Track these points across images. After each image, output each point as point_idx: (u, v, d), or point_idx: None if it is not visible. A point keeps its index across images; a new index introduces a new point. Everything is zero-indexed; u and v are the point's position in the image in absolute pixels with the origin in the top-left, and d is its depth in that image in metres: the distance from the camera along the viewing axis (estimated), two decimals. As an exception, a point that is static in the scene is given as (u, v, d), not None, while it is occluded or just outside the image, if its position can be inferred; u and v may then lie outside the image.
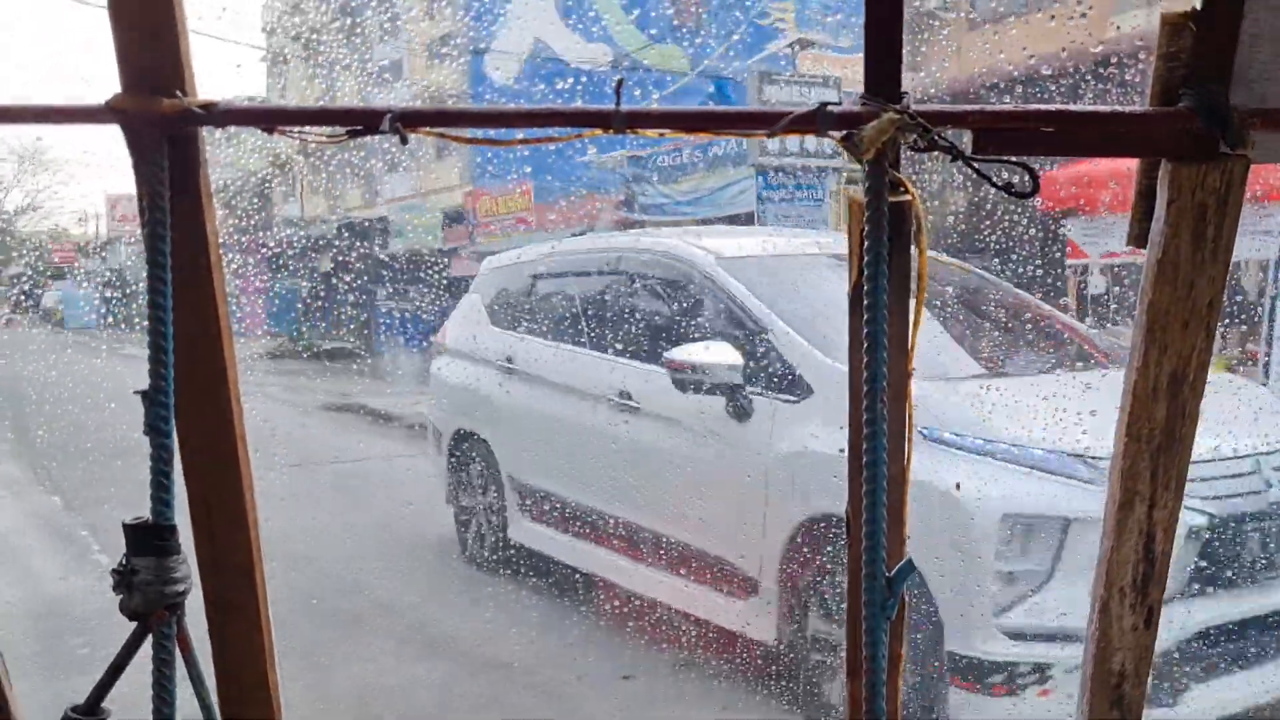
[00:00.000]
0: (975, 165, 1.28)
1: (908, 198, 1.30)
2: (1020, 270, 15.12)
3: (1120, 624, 1.39)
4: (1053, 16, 14.42)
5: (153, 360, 1.34)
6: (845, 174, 16.60)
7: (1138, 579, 1.37)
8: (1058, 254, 10.52)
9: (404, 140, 1.31)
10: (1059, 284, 10.99)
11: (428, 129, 1.34)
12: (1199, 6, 1.22)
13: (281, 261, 25.50)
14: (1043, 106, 1.28)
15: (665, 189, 18.68)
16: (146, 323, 1.34)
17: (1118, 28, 13.71)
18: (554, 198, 20.98)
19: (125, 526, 1.37)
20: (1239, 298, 10.54)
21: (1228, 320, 10.06)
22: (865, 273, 1.27)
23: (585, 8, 21.53)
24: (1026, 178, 1.27)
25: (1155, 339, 1.29)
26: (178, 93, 1.32)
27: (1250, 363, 8.71)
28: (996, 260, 15.89)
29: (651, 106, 1.51)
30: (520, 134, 1.38)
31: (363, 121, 1.32)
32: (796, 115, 1.25)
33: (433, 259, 25.01)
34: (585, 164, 20.47)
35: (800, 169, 15.86)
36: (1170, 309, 1.28)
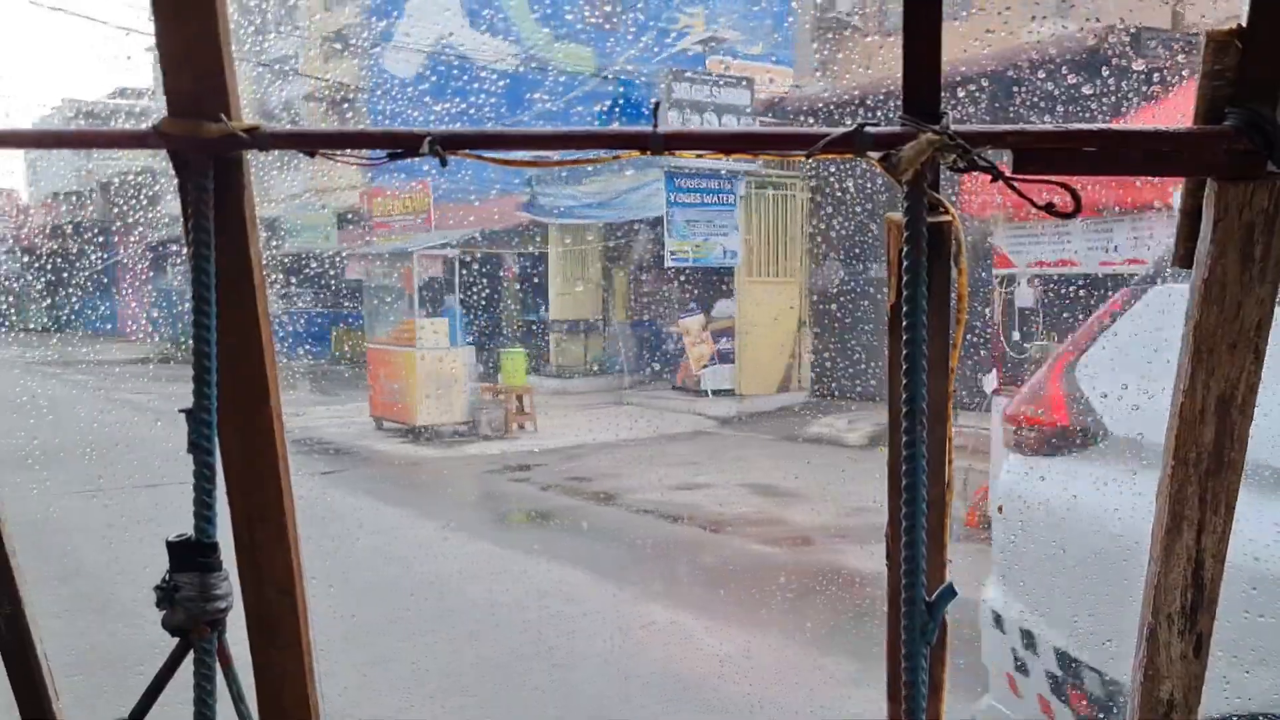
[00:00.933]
0: (1015, 185, 1.26)
1: (947, 218, 1.28)
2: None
3: (1168, 652, 1.35)
4: (970, 25, 14.31)
5: (196, 379, 1.37)
6: (753, 180, 16.25)
7: (1186, 606, 1.34)
8: (984, 263, 10.24)
9: (444, 163, 1.32)
10: (984, 295, 10.71)
11: (467, 151, 1.34)
12: (1244, 24, 1.19)
13: (162, 261, 24.14)
14: (1084, 126, 1.27)
15: (572, 190, 18.09)
16: (192, 342, 1.37)
17: (1035, 34, 13.61)
18: (455, 197, 20.24)
19: (169, 543, 1.39)
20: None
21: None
22: (904, 294, 1.25)
23: (491, 4, 20.80)
24: (1069, 198, 1.25)
25: (1202, 361, 1.26)
26: (222, 116, 1.35)
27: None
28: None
29: (688, 129, 1.48)
30: (557, 156, 1.41)
31: (402, 144, 1.33)
32: (834, 137, 1.24)
33: (326, 260, 24.04)
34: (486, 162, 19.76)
35: (710, 172, 15.41)
36: (1217, 330, 1.25)
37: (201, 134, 1.34)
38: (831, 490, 11.21)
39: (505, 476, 12.26)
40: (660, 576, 8.09)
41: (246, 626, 1.53)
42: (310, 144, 1.41)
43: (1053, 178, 1.25)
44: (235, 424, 1.46)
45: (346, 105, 25.09)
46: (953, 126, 1.23)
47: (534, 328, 21.00)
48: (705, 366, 16.46)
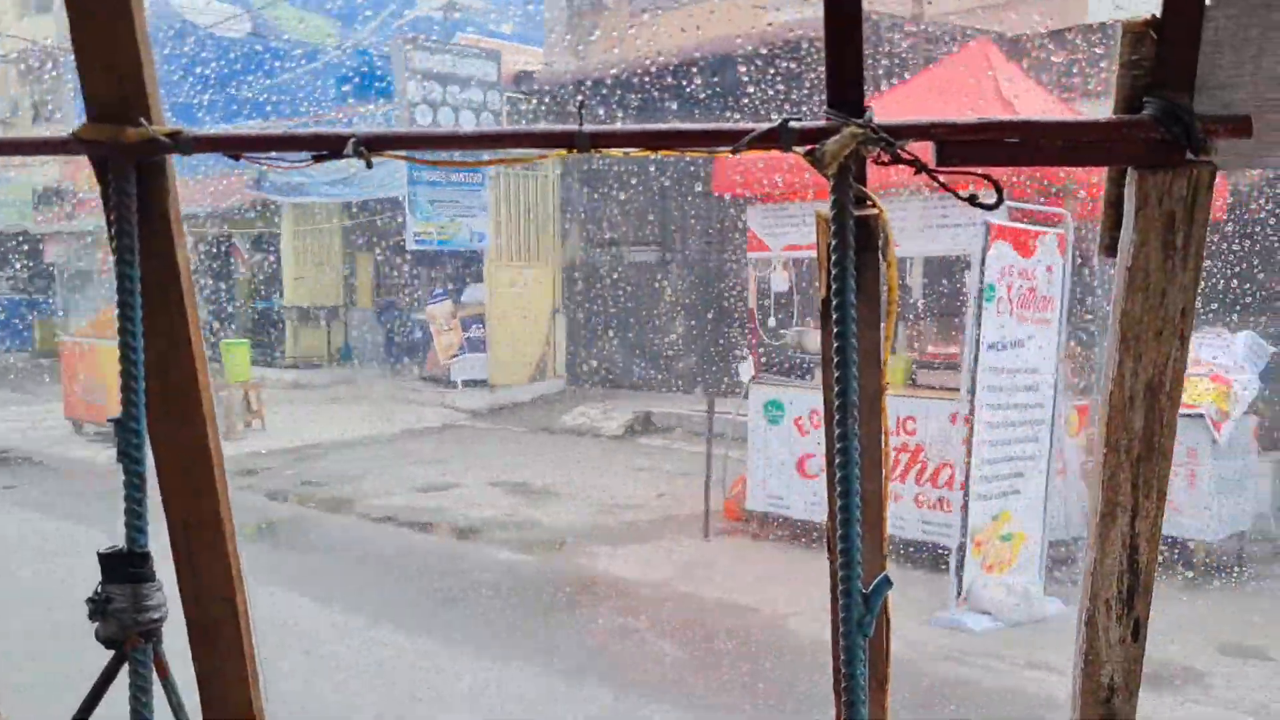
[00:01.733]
0: (939, 178, 1.27)
1: (874, 211, 1.29)
2: (698, 264, 14.90)
3: (1107, 636, 1.37)
4: (712, 10, 14.16)
5: (124, 387, 1.36)
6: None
7: (1123, 590, 1.35)
8: (738, 246, 9.92)
9: (369, 164, 1.32)
10: (743, 278, 10.41)
11: (392, 152, 1.34)
12: (1159, 15, 1.21)
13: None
14: (1006, 118, 1.30)
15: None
16: (118, 350, 1.36)
17: (769, 24, 13.56)
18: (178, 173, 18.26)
19: (100, 555, 1.37)
20: (911, 298, 10.39)
21: (911, 318, 9.91)
22: (833, 287, 1.27)
23: (211, -41, 18.88)
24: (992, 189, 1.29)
25: (1130, 349, 1.28)
26: (143, 121, 1.35)
27: (943, 366, 8.36)
28: (667, 254, 15.56)
29: (614, 126, 1.39)
30: (486, 155, 1.45)
31: (328, 146, 1.33)
32: (758, 132, 1.26)
33: (24, 241, 21.35)
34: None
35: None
36: (1143, 318, 1.27)
37: (123, 139, 1.33)
38: (587, 486, 10.65)
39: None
40: (397, 599, 7.21)
41: (187, 635, 1.52)
42: (234, 146, 1.40)
43: (975, 169, 1.27)
44: (166, 431, 1.44)
45: (49, 69, 22.37)
46: (876, 120, 1.24)
47: (267, 316, 19.33)
48: (454, 356, 15.54)
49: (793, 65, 11.51)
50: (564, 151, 1.32)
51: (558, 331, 16.28)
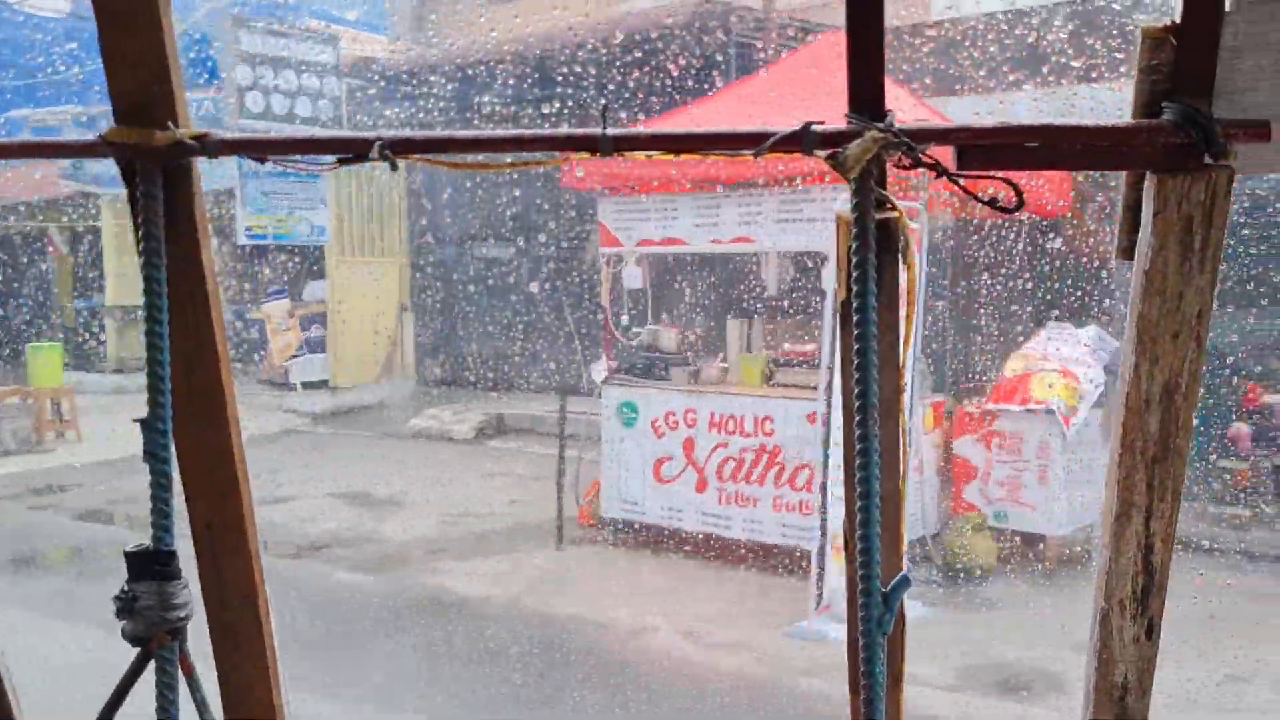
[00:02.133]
0: (960, 182, 1.28)
1: (894, 214, 1.31)
2: (553, 259, 14.43)
3: (1121, 636, 1.38)
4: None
5: (151, 388, 1.37)
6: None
7: (1137, 590, 1.37)
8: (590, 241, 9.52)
9: (394, 167, 1.33)
10: (592, 276, 10.02)
11: (417, 155, 1.35)
12: (1179, 20, 1.21)
13: None
14: (1026, 122, 1.29)
15: (126, 155, 15.41)
16: (145, 350, 1.38)
17: (628, 12, 13.25)
18: None
19: (126, 553, 1.40)
20: (768, 294, 10.20)
21: (765, 315, 9.71)
22: (853, 289, 1.28)
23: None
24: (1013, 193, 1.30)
25: (1146, 351, 1.29)
26: (170, 124, 1.36)
27: (801, 364, 8.14)
28: (521, 248, 15.04)
29: (637, 130, 1.53)
30: (509, 158, 1.44)
31: (353, 149, 1.34)
32: (780, 136, 1.28)
33: None
34: (21, 119, 16.56)
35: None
36: (1160, 321, 1.28)
37: (150, 142, 1.35)
38: (435, 495, 10.10)
39: (24, 503, 9.89)
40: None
41: (210, 635, 1.52)
42: (260, 149, 1.41)
43: (996, 173, 1.27)
44: (192, 432, 1.46)
45: None
46: (897, 124, 1.25)
47: (86, 316, 17.93)
48: (293, 357, 14.66)
49: (648, 54, 11.20)
50: (587, 155, 1.33)
51: (405, 330, 15.56)
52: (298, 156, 1.43)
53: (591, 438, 8.87)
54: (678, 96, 10.47)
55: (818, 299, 8.06)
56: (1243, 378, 10.16)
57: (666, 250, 8.41)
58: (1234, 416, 9.67)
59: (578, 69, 12.13)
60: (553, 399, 11.99)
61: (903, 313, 1.34)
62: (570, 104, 11.91)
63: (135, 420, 1.37)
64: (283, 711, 1.59)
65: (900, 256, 1.32)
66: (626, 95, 11.03)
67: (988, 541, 7.82)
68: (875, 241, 1.27)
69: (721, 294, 10.41)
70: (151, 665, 1.41)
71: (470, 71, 13.18)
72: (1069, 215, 9.10)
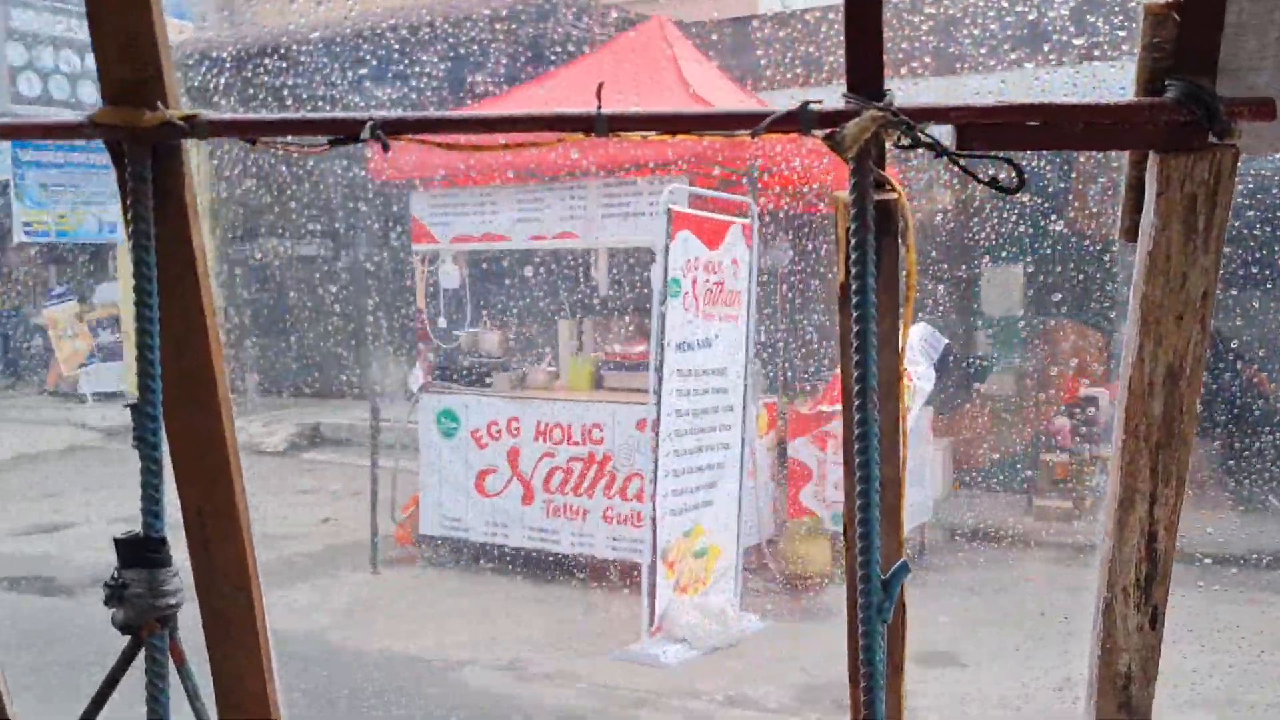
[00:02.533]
0: (960, 162, 1.27)
1: (893, 195, 1.29)
2: (368, 258, 13.59)
3: (1125, 624, 1.37)
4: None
5: (140, 372, 1.37)
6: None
7: (1141, 578, 1.35)
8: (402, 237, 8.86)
9: (385, 148, 1.33)
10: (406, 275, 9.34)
11: (410, 135, 1.35)
12: None
13: None
14: (1027, 101, 1.28)
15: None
16: (134, 335, 1.37)
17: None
18: None
19: (116, 540, 1.39)
20: (598, 293, 9.74)
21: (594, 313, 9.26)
22: (852, 271, 1.27)
23: None
24: (1013, 173, 1.27)
25: (1150, 333, 1.27)
26: (160, 105, 1.35)
27: (631, 367, 7.71)
28: (333, 246, 14.14)
29: (632, 110, 1.35)
30: (503, 139, 1.44)
31: (344, 130, 1.34)
32: (778, 115, 1.26)
33: None
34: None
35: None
36: (1164, 302, 1.26)
37: (139, 123, 1.34)
38: (237, 515, 9.22)
39: None
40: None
41: (202, 623, 1.51)
42: (251, 131, 1.40)
43: (996, 153, 1.26)
44: (183, 418, 1.45)
45: None
46: (896, 104, 1.24)
47: None
48: (83, 365, 13.36)
49: (471, 38, 10.61)
50: (582, 135, 1.32)
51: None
52: (288, 138, 1.40)
53: (410, 449, 8.23)
54: (502, 79, 9.93)
55: (648, 296, 7.67)
56: (1063, 372, 10.37)
57: (485, 247, 7.85)
58: (1055, 410, 9.85)
59: (394, 52, 11.42)
60: (384, 409, 11.25)
61: (902, 294, 1.32)
62: (389, 89, 11.19)
63: (125, 405, 1.37)
64: (275, 700, 1.57)
65: (900, 238, 1.30)
66: (441, 79, 10.40)
67: (825, 546, 7.61)
68: (874, 223, 1.25)
69: (549, 293, 9.92)
70: (141, 654, 1.40)
71: (279, 55, 12.26)
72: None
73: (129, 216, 1.35)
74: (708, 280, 6.34)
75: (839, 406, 5.51)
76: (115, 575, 1.37)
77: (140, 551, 1.37)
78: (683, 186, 6.54)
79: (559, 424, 7.28)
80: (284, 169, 12.97)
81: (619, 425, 7.07)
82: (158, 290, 1.36)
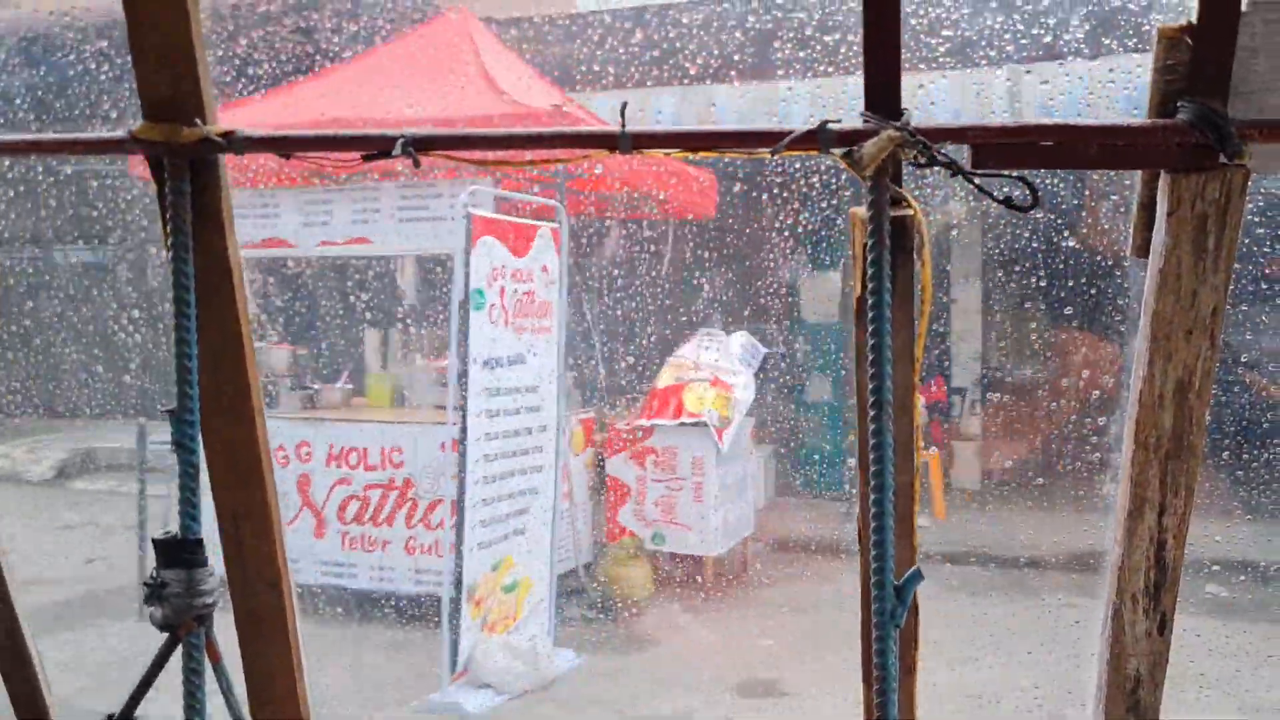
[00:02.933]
0: (975, 180, 1.30)
1: (909, 212, 1.33)
2: (149, 266, 12.40)
3: (1134, 630, 1.40)
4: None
5: (179, 380, 1.43)
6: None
7: (1149, 585, 1.38)
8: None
9: (416, 164, 1.37)
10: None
11: (439, 152, 1.40)
12: (1195, 20, 1.22)
13: None
14: (1041, 121, 1.31)
15: None
16: (174, 344, 1.43)
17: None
18: None
19: (155, 541, 1.47)
20: (405, 302, 9.07)
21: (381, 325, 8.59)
22: (868, 286, 1.30)
23: None
24: (1027, 192, 1.30)
25: (1160, 348, 1.30)
26: (197, 121, 1.41)
27: (437, 383, 7.12)
28: (104, 253, 12.89)
29: (656, 127, 1.48)
30: (529, 155, 1.48)
31: (377, 146, 1.39)
32: (797, 134, 1.29)
33: None
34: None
35: None
36: (1174, 318, 1.29)
37: (178, 138, 1.39)
38: (-13, 558, 8.11)
39: None
40: None
41: (235, 622, 1.57)
42: (286, 146, 1.46)
43: (1010, 172, 1.29)
44: (218, 423, 1.50)
45: None
46: (913, 124, 1.26)
47: None
48: None
49: (241, 29, 9.74)
50: (606, 152, 1.35)
51: (-29, 350, 12.91)
52: (323, 153, 1.43)
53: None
54: (289, 69, 9.14)
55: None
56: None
57: (266, 254, 7.11)
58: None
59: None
60: (155, 429, 10.25)
61: (917, 308, 1.34)
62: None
63: (164, 411, 1.41)
64: (306, 697, 1.62)
65: (915, 254, 1.33)
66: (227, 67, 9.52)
67: (645, 568, 7.25)
68: (890, 239, 1.28)
69: (347, 304, 9.20)
70: (178, 652, 1.43)
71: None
72: (715, 217, 8.77)
73: (168, 229, 1.39)
74: (516, 290, 5.86)
75: (658, 421, 5.15)
76: (154, 575, 1.42)
77: (178, 552, 1.41)
78: (486, 189, 6.04)
79: (355, 447, 6.64)
80: (66, 165, 11.70)
81: (421, 447, 6.49)
82: (195, 301, 1.40)
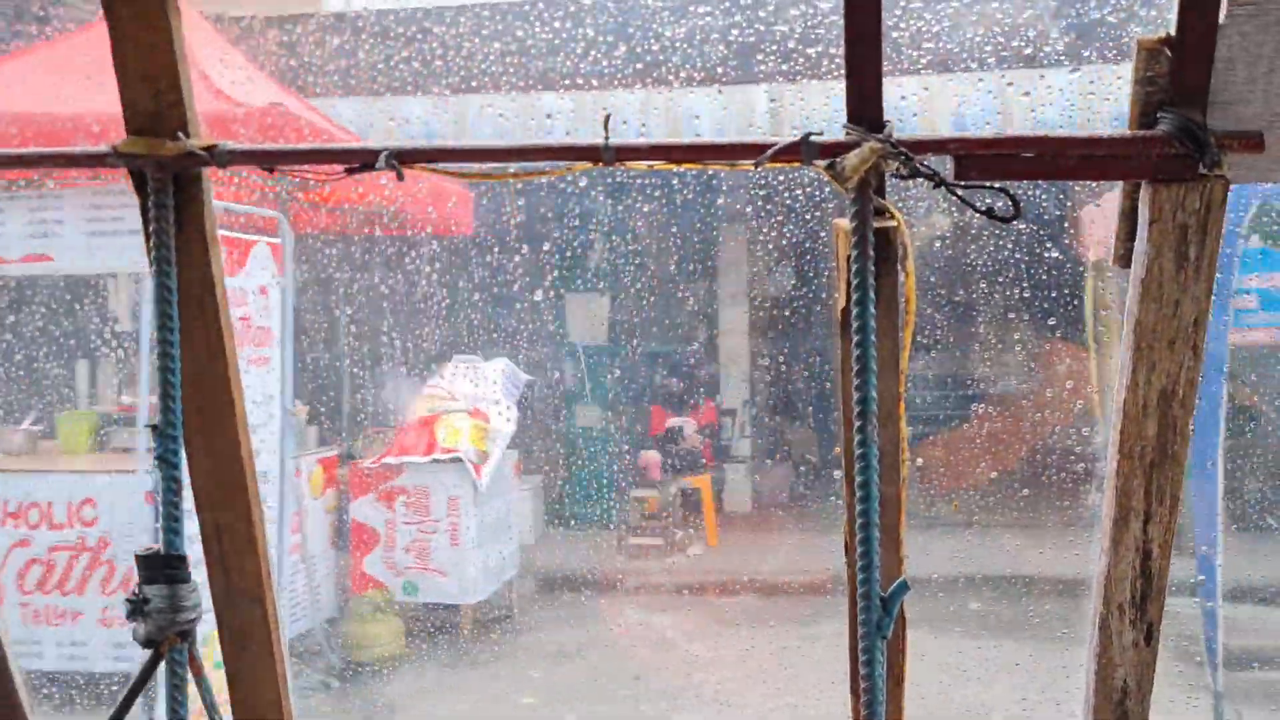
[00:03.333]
0: (958, 192, 1.32)
1: (893, 223, 1.34)
2: None
3: (1120, 640, 1.42)
4: None
5: (162, 395, 1.45)
6: None
7: (1136, 595, 1.40)
8: None
9: (400, 177, 1.39)
10: None
11: (423, 165, 1.41)
12: (1174, 32, 1.25)
13: None
14: (1023, 133, 1.44)
15: None
16: (156, 358, 1.44)
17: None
18: None
19: (137, 556, 1.45)
20: (114, 327, 7.93)
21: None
22: (852, 297, 1.32)
23: None
24: (1008, 202, 1.32)
25: (1143, 357, 1.33)
26: (180, 135, 1.42)
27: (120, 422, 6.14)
28: None
29: (639, 140, 1.43)
30: (513, 168, 1.48)
31: (360, 159, 1.41)
32: (780, 146, 1.31)
33: None
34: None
35: None
36: (1157, 328, 1.31)
37: (161, 153, 1.40)
38: None
39: None
40: None
41: (219, 636, 1.58)
42: (269, 160, 1.47)
43: (992, 183, 1.31)
44: (202, 438, 1.51)
45: None
46: (895, 135, 1.29)
47: None
48: None
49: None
50: (589, 164, 1.37)
51: None
52: (307, 167, 1.46)
53: None
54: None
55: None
56: (651, 403, 10.06)
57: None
58: (644, 443, 9.47)
59: None
60: None
61: (901, 319, 1.37)
62: None
63: (147, 425, 1.39)
64: (290, 712, 1.62)
65: (899, 265, 1.35)
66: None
67: (394, 623, 6.54)
68: (874, 250, 1.31)
69: (43, 330, 7.98)
70: (162, 667, 1.45)
71: None
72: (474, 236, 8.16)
73: (151, 244, 1.40)
74: (230, 315, 5.05)
75: (409, 458, 4.68)
76: (137, 591, 1.42)
77: (161, 568, 1.42)
78: (192, 197, 5.20)
79: (36, 503, 5.60)
80: None
81: (119, 499, 5.54)
82: (179, 315, 1.42)
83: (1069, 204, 8.34)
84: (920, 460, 8.47)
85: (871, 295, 1.29)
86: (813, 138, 1.28)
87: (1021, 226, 7.85)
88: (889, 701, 1.36)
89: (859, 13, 1.28)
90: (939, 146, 1.31)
